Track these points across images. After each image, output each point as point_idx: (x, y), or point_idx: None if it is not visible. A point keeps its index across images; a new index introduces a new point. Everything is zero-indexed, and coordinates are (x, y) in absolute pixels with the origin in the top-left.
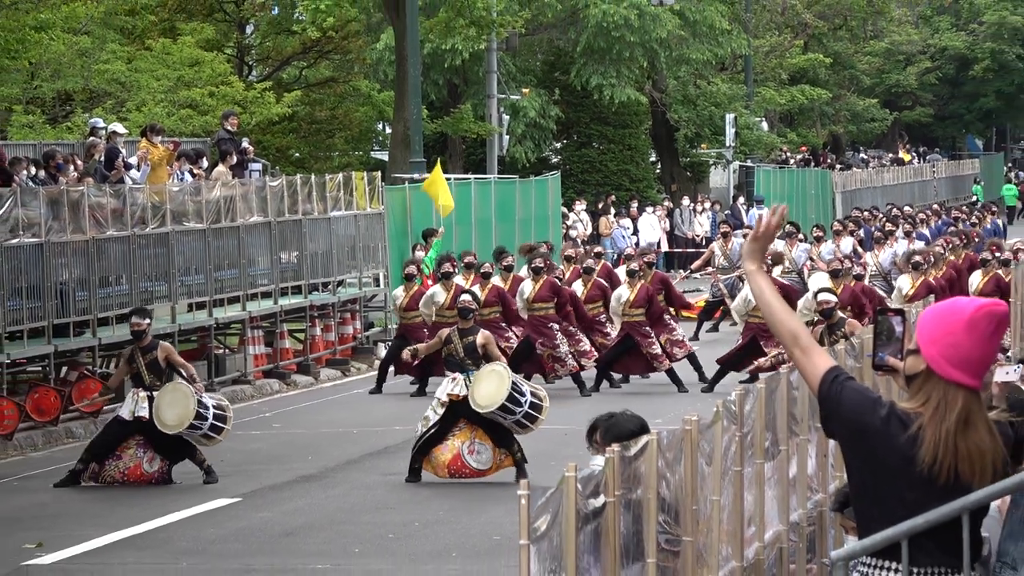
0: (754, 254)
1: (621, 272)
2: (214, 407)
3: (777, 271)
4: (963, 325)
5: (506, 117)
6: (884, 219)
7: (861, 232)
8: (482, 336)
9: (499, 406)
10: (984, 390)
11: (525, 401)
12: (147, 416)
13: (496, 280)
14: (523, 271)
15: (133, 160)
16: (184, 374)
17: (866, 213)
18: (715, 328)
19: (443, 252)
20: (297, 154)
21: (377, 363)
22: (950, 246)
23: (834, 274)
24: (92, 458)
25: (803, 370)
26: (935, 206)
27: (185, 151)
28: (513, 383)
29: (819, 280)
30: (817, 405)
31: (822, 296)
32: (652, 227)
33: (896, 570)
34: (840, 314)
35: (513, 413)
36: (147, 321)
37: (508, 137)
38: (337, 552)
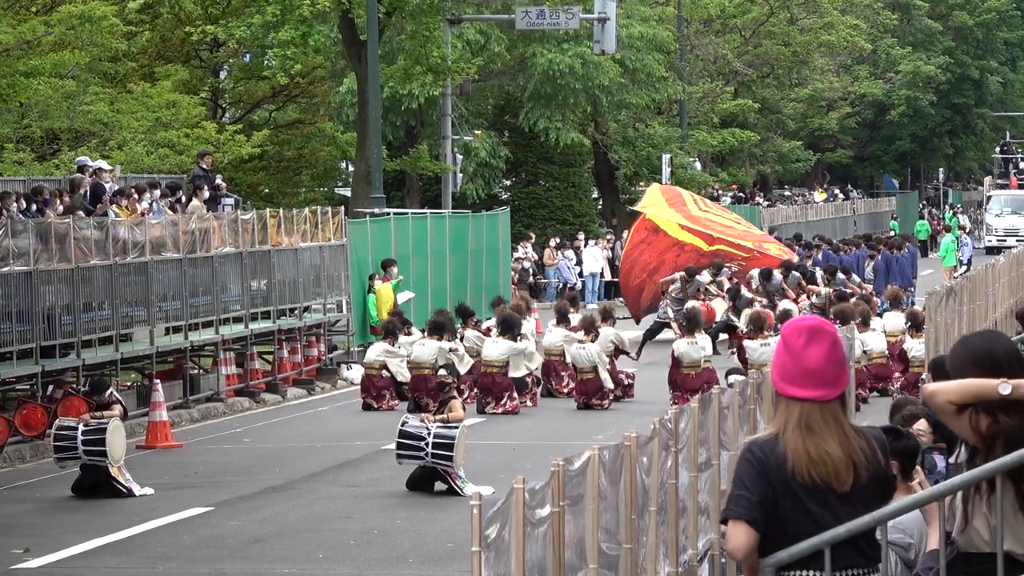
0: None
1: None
2: None
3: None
4: (782, 345)
5: (459, 157)
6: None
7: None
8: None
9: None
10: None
11: (425, 443)
12: None
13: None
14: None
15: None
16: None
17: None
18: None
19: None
20: (267, 190)
21: (340, 383)
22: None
23: None
24: None
25: None
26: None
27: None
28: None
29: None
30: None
31: None
32: (595, 258)
33: None
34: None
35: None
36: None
37: (461, 175)
38: (302, 558)
